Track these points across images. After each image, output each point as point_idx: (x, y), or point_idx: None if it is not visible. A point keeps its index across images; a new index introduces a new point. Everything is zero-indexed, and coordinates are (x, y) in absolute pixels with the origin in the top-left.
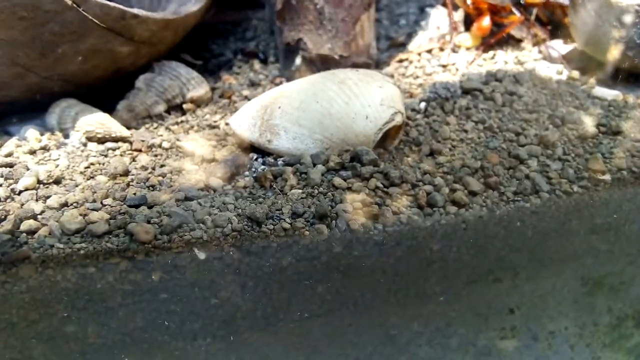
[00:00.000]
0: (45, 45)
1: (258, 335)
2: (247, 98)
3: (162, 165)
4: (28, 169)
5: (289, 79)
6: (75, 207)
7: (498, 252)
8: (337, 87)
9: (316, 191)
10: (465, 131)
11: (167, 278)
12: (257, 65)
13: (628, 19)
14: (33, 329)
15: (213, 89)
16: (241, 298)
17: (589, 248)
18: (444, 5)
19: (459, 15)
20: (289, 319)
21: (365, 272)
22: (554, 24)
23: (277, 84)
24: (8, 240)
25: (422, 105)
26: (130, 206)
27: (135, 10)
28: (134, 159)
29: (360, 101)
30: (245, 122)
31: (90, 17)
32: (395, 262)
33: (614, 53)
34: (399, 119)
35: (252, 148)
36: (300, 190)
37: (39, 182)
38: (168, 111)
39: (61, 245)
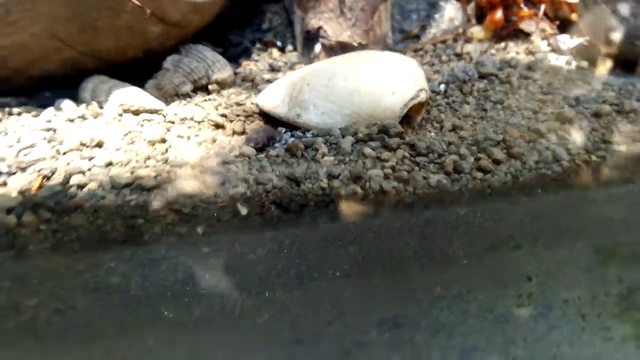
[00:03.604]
0: (84, 20)
1: (291, 293)
2: (269, 81)
3: (196, 135)
4: (69, 134)
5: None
6: (121, 166)
7: (520, 219)
8: (365, 65)
9: (347, 159)
10: (485, 110)
11: (210, 232)
12: (275, 53)
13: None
14: (79, 279)
15: (235, 74)
16: (277, 255)
17: (604, 217)
18: None
19: (471, 9)
20: (321, 278)
21: (394, 234)
22: (561, 21)
23: None
24: (60, 191)
25: (442, 87)
26: (173, 166)
27: None
28: (168, 130)
29: (387, 78)
30: (273, 98)
31: None
32: (423, 224)
33: (622, 44)
34: (423, 96)
35: (280, 123)
36: (332, 158)
37: (82, 144)
38: (194, 91)
39: (112, 197)
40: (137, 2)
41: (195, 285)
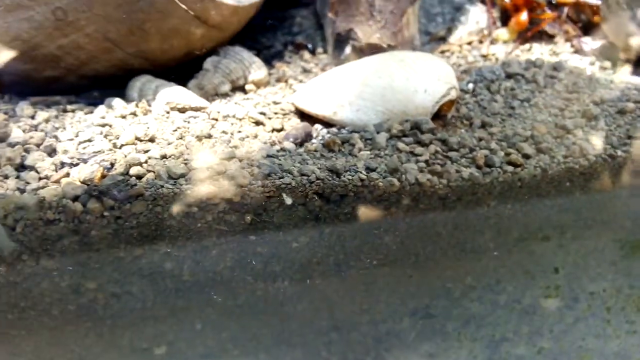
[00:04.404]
0: (135, 22)
1: (329, 281)
2: (302, 82)
3: (239, 131)
4: (124, 129)
5: None
6: (175, 159)
7: (548, 211)
8: (398, 64)
9: (382, 153)
10: (513, 108)
11: (257, 220)
12: (306, 55)
13: None
14: (136, 264)
15: (269, 74)
16: (319, 244)
17: (630, 211)
18: (483, 2)
19: (496, 12)
20: (357, 267)
21: (428, 224)
22: (584, 23)
23: None
24: (121, 180)
25: (470, 86)
26: (222, 159)
27: None
28: (213, 126)
29: (419, 76)
30: (309, 97)
31: None
32: (456, 215)
33: None
34: (454, 94)
35: (316, 121)
36: (368, 152)
37: (137, 138)
38: (232, 91)
39: (170, 186)
40: (185, 7)
41: (241, 272)
